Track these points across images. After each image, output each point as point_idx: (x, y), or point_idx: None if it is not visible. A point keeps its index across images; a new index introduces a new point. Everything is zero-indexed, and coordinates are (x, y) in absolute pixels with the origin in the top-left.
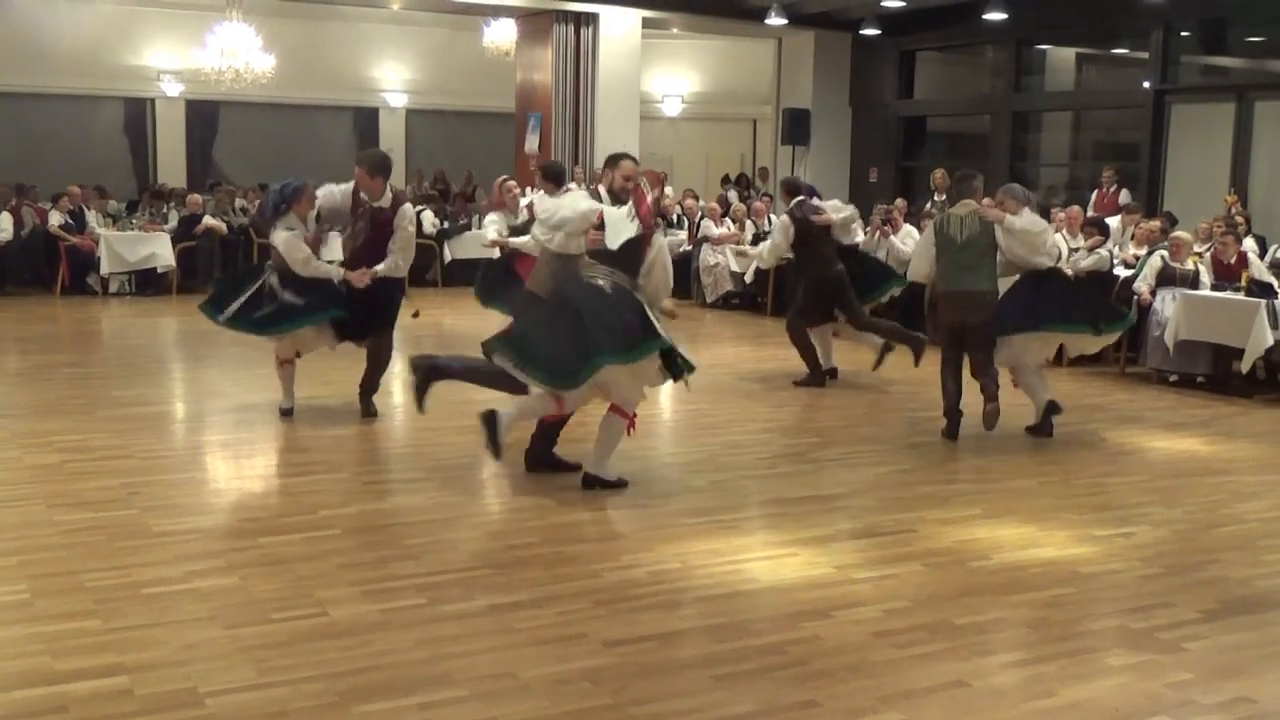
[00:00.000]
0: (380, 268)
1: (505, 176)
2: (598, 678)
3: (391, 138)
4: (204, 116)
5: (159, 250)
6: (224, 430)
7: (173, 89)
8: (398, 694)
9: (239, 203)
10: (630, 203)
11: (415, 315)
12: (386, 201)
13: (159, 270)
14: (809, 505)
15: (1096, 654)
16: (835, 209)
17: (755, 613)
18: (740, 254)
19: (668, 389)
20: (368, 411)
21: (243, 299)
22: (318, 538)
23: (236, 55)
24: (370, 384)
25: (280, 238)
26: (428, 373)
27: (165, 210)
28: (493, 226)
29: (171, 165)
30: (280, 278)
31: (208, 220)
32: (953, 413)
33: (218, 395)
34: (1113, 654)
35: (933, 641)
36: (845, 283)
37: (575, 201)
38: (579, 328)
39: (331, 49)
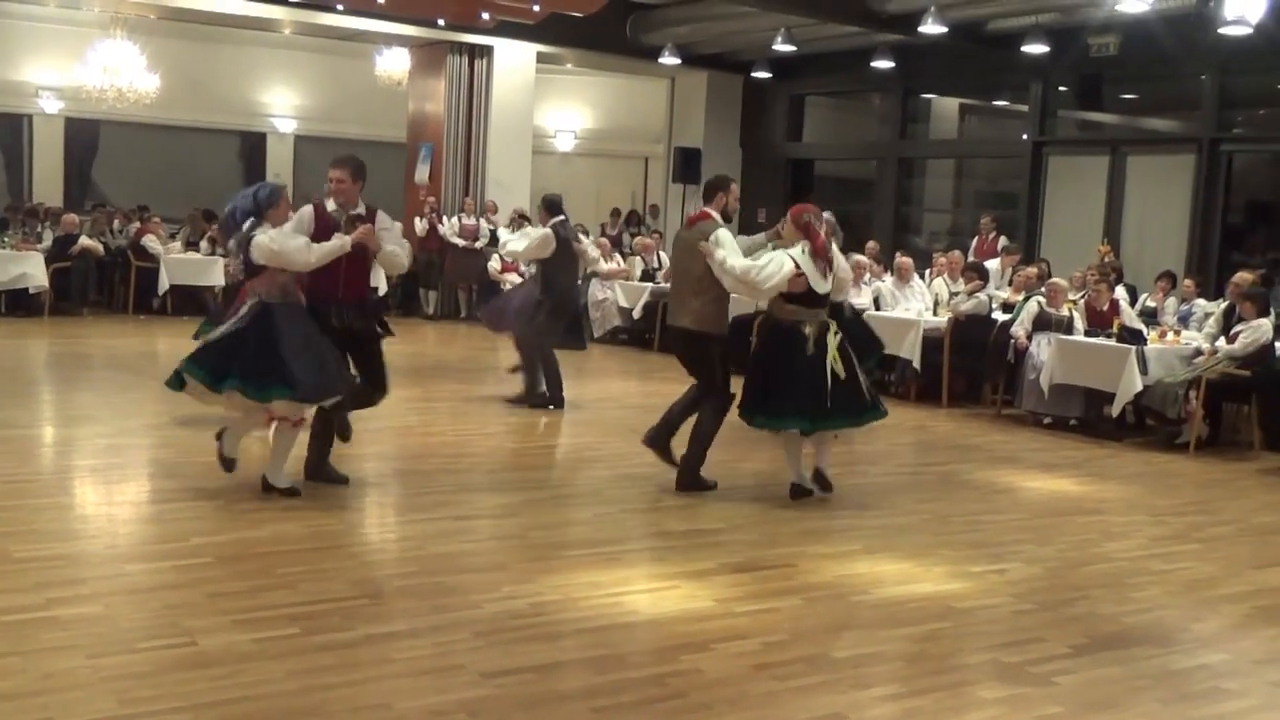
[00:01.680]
0: (387, 247)
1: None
2: (476, 709)
3: (280, 163)
4: (84, 135)
5: (31, 270)
6: (94, 455)
7: (52, 106)
8: None
9: (117, 224)
10: (804, 238)
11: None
12: (362, 209)
13: (31, 290)
14: (691, 539)
15: (970, 687)
16: (592, 248)
17: (636, 645)
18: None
19: (553, 422)
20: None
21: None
22: (188, 565)
23: (119, 74)
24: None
25: (266, 239)
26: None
27: (40, 229)
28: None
29: (48, 183)
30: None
31: (84, 241)
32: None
33: (90, 419)
34: (986, 687)
35: (812, 674)
36: (579, 318)
37: (782, 260)
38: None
39: (219, 71)
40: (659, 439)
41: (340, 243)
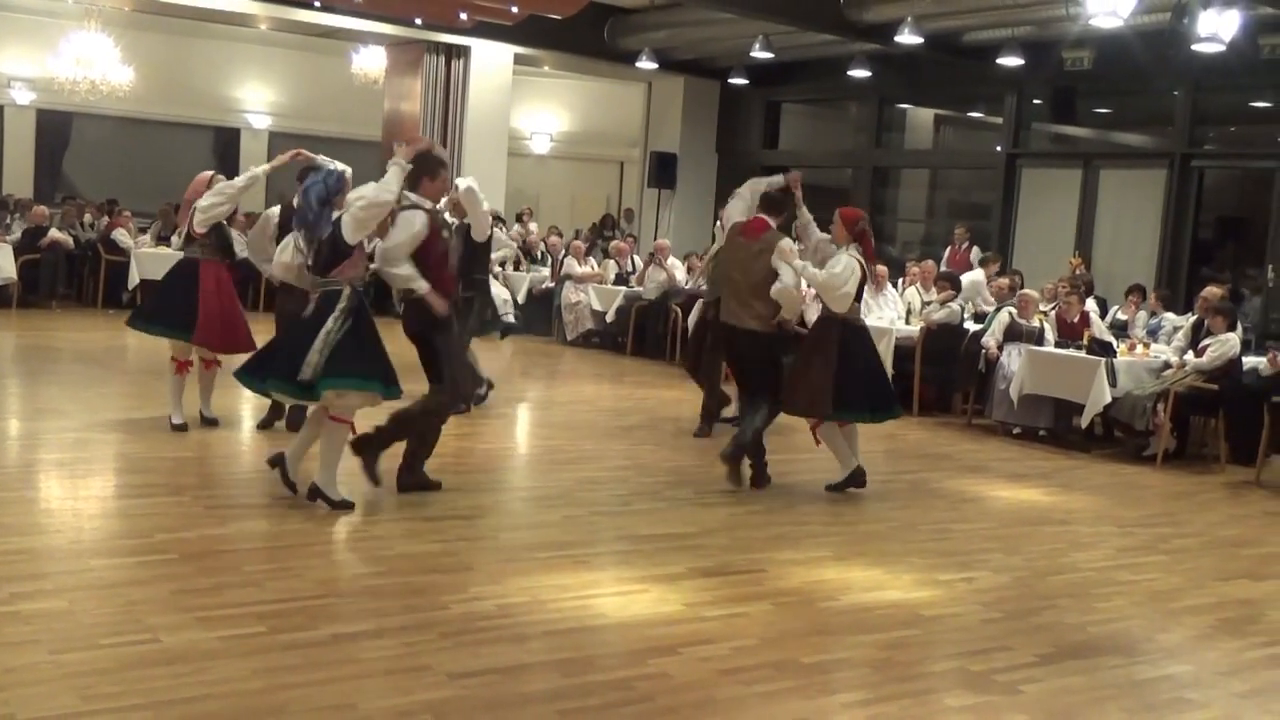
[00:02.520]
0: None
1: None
2: (441, 710)
3: (253, 160)
4: (55, 127)
5: (0, 262)
6: (60, 449)
7: (23, 97)
8: None
9: (87, 217)
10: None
11: None
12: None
13: None
14: (661, 543)
15: (937, 694)
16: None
17: (603, 648)
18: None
19: (524, 423)
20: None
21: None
22: (153, 562)
23: (92, 66)
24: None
25: (358, 203)
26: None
27: (8, 221)
28: None
29: (18, 175)
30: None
31: (54, 234)
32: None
33: (56, 413)
34: (952, 695)
35: (779, 679)
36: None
37: (852, 265)
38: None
39: (193, 65)
40: (737, 459)
41: (423, 286)
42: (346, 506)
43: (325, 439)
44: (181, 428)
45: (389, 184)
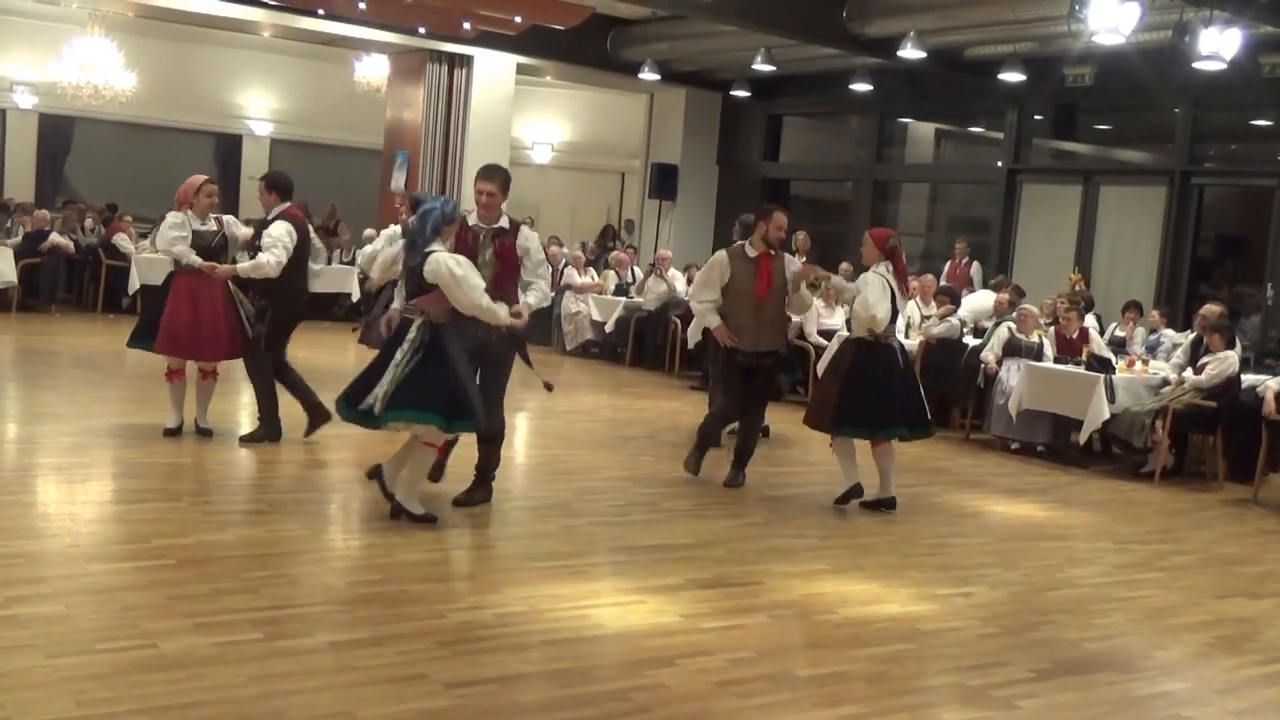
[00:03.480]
0: (531, 300)
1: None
2: (437, 719)
3: (255, 166)
4: (57, 131)
5: (0, 266)
6: (58, 454)
7: (26, 101)
8: None
9: (88, 222)
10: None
11: (549, 388)
12: (505, 222)
13: None
14: (659, 554)
15: (933, 709)
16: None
17: (600, 659)
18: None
19: (522, 433)
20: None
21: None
22: (150, 567)
23: (95, 71)
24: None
25: (453, 264)
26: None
27: (9, 225)
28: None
29: (20, 179)
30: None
31: (54, 238)
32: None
33: (54, 418)
34: (949, 709)
35: (776, 692)
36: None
37: (882, 286)
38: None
39: (196, 72)
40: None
41: (503, 313)
42: (430, 520)
43: (413, 460)
44: (173, 432)
45: (483, 297)
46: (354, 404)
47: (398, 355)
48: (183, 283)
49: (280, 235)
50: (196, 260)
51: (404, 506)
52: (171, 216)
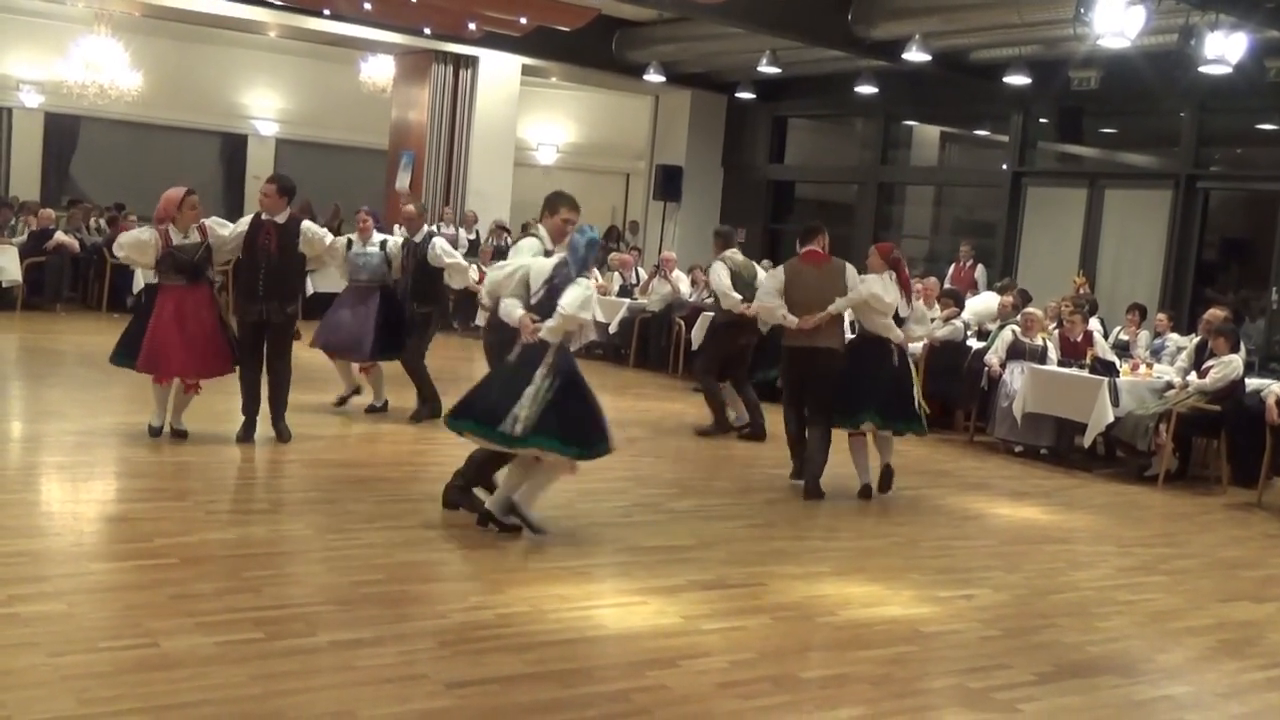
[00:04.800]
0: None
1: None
2: (438, 719)
3: (260, 166)
4: (63, 130)
5: (5, 264)
6: (62, 452)
7: (32, 100)
8: None
9: (94, 221)
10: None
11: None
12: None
13: (4, 285)
14: (661, 555)
15: (935, 711)
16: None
17: (602, 659)
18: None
19: None
20: (283, 436)
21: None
22: (152, 566)
23: (101, 70)
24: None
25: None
26: None
27: (14, 223)
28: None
29: (25, 178)
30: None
31: (60, 237)
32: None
33: (58, 416)
34: (951, 712)
35: (777, 694)
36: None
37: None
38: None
39: (202, 72)
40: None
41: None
42: (542, 531)
43: (542, 477)
44: (156, 431)
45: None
46: (484, 420)
47: (537, 379)
48: (168, 297)
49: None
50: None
51: (521, 512)
52: (136, 233)
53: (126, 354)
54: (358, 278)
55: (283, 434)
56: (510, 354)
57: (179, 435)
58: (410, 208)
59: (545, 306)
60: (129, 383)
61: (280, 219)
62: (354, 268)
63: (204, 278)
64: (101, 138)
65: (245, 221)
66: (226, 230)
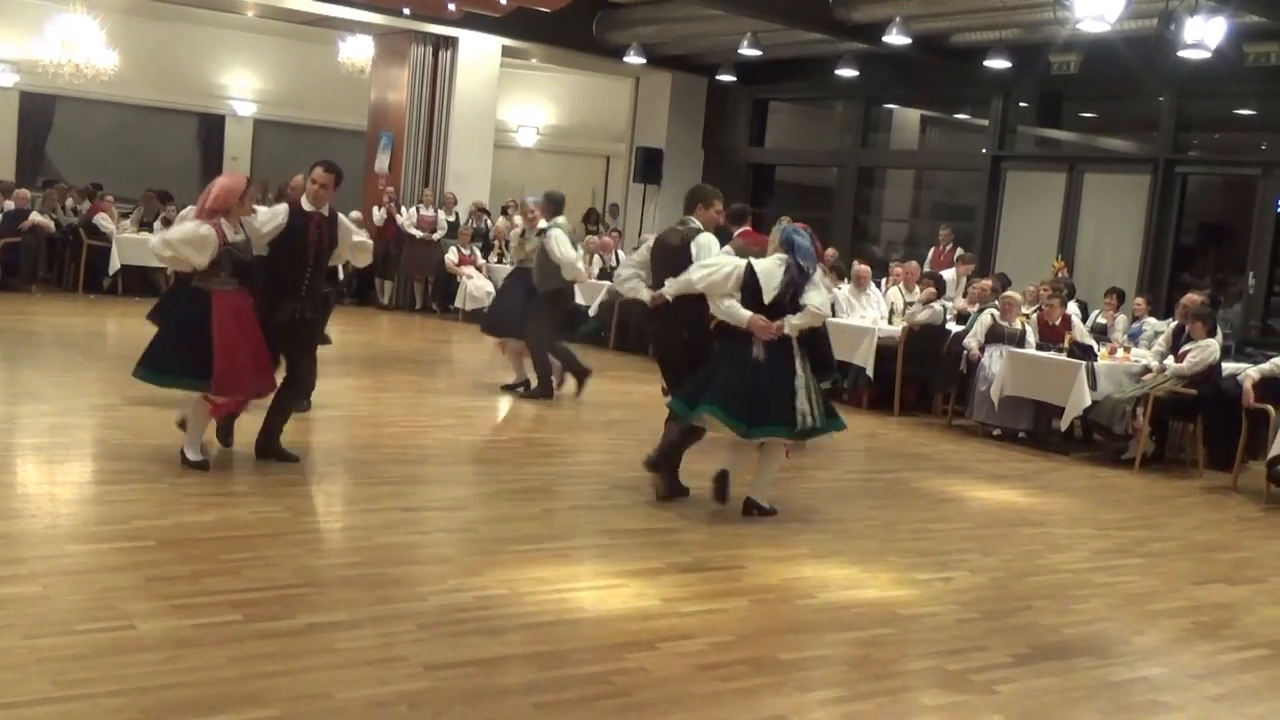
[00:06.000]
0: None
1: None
2: (416, 702)
3: (237, 146)
4: (38, 110)
5: None
6: (37, 434)
7: (6, 79)
8: (204, 712)
9: (69, 201)
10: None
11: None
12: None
13: None
14: (640, 537)
15: (913, 693)
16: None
17: (580, 642)
18: None
19: (505, 417)
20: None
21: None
22: (129, 548)
23: (77, 49)
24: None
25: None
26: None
27: None
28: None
29: (0, 158)
30: None
31: (35, 217)
32: None
33: (35, 398)
34: (928, 694)
35: (756, 676)
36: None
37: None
38: None
39: (179, 51)
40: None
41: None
42: (773, 513)
43: (774, 462)
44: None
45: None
46: (759, 423)
47: (804, 374)
48: (224, 303)
49: None
50: None
51: (758, 504)
52: (193, 226)
53: (185, 372)
54: None
55: (287, 454)
56: (755, 352)
57: (200, 466)
58: (300, 178)
59: (782, 304)
60: (105, 364)
61: (325, 211)
62: None
63: (251, 280)
64: (77, 117)
65: (280, 212)
66: (262, 223)
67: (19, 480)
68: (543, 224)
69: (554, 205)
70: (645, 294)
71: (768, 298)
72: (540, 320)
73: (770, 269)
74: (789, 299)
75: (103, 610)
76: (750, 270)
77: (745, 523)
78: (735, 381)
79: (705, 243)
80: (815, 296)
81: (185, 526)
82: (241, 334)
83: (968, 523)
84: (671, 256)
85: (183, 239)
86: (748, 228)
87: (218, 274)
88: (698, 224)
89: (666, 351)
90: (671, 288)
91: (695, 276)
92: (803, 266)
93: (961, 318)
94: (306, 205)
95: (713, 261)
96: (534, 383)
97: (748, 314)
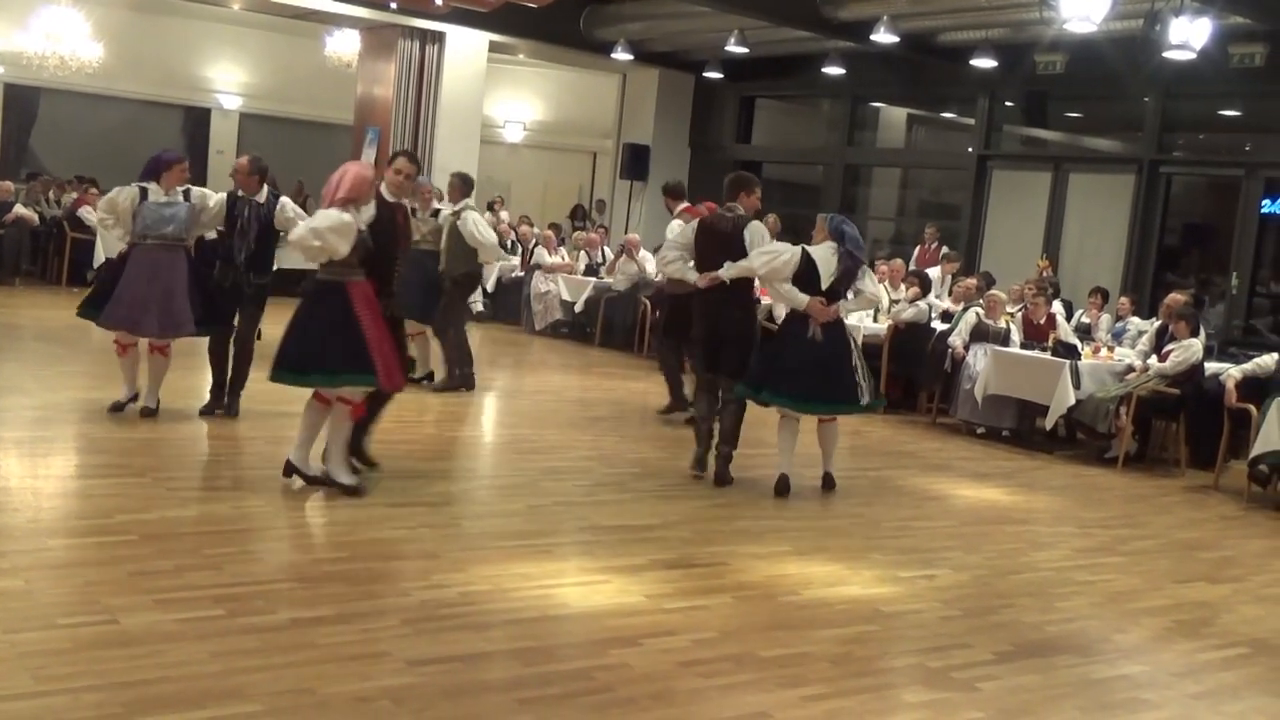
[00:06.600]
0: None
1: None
2: (399, 697)
3: (223, 140)
4: (22, 102)
5: None
6: (19, 427)
7: None
8: (186, 707)
9: (53, 194)
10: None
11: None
12: None
13: None
14: (624, 534)
15: (895, 690)
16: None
17: (564, 638)
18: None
19: (490, 412)
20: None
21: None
22: (111, 543)
23: (61, 41)
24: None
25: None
26: None
27: None
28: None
29: None
30: None
31: (18, 209)
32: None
33: (16, 391)
34: (910, 691)
35: (739, 672)
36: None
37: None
38: None
39: (164, 44)
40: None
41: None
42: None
43: (835, 434)
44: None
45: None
46: (825, 401)
47: (857, 352)
48: (359, 292)
49: None
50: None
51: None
52: (336, 214)
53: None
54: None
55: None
56: (809, 332)
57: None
58: (243, 160)
59: (836, 290)
60: (88, 358)
61: (405, 201)
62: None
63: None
64: (62, 110)
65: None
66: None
67: (0, 474)
68: (452, 206)
69: (466, 186)
70: (692, 275)
71: (825, 284)
72: (451, 306)
73: (825, 256)
74: (844, 286)
75: (85, 605)
76: (806, 257)
77: (729, 520)
78: (800, 363)
79: (757, 229)
80: (870, 284)
81: (168, 521)
82: (377, 324)
83: (951, 520)
84: (724, 241)
85: (330, 227)
86: (686, 204)
87: (353, 263)
88: (742, 210)
89: (713, 330)
90: (731, 271)
91: (757, 263)
92: (855, 255)
93: (946, 316)
94: (388, 195)
95: (772, 248)
96: (439, 375)
97: (805, 298)
